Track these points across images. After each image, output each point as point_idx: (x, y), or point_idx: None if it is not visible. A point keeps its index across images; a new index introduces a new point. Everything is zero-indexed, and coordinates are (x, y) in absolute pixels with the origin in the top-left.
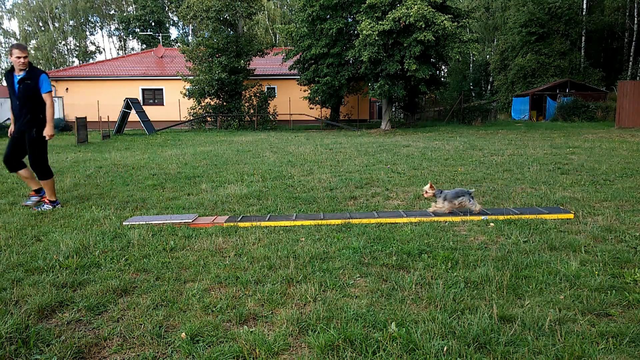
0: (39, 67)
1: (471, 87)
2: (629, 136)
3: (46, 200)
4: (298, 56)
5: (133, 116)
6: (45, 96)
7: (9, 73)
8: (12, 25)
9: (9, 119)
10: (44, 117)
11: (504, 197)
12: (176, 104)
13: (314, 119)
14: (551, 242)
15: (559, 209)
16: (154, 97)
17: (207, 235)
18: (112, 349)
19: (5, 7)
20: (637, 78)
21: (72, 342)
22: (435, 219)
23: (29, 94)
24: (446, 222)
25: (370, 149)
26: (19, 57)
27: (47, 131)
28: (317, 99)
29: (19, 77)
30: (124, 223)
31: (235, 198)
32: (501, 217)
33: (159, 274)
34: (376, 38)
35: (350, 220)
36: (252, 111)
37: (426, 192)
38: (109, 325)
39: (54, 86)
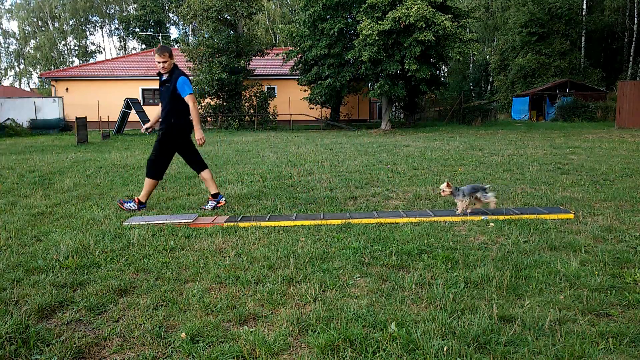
0: (38, 66)
1: (471, 87)
2: (629, 136)
3: (135, 199)
4: (299, 57)
5: (133, 116)
6: (186, 99)
7: (160, 74)
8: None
9: (9, 119)
10: (175, 122)
11: (504, 197)
12: None
13: (314, 119)
14: (551, 242)
15: (559, 209)
16: (154, 97)
17: (207, 235)
18: (112, 349)
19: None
20: (637, 78)
21: (72, 342)
22: (435, 218)
23: (168, 97)
24: (446, 222)
25: (370, 149)
26: (158, 62)
27: (197, 135)
28: (318, 100)
29: (162, 79)
30: (124, 223)
31: (235, 198)
32: (501, 217)
33: (159, 274)
34: (376, 38)
35: (350, 220)
36: (252, 111)
37: (443, 190)
38: (109, 325)
39: (53, 86)
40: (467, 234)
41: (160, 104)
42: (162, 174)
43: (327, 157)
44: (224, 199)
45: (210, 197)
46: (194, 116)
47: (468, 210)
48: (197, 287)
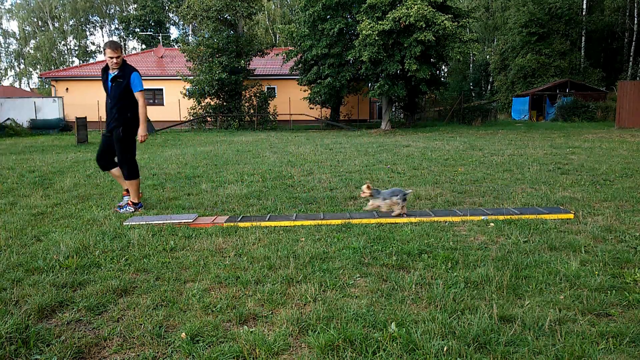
0: (38, 66)
1: (471, 87)
2: (629, 136)
3: (129, 203)
4: (298, 57)
5: None
6: (137, 95)
7: (105, 70)
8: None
9: (9, 119)
10: (132, 116)
11: (504, 197)
12: (176, 104)
13: (314, 119)
14: (551, 242)
15: (559, 209)
16: (154, 97)
17: (207, 235)
18: (112, 349)
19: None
20: (637, 78)
21: (72, 342)
22: (435, 218)
23: (120, 93)
24: (446, 222)
25: (370, 149)
26: (111, 58)
27: (140, 132)
28: (317, 99)
29: (112, 75)
30: (124, 223)
31: (235, 198)
32: (501, 217)
33: (159, 274)
34: (376, 38)
35: (350, 220)
36: (252, 111)
37: (363, 192)
38: (109, 325)
39: (53, 86)
40: (467, 234)
41: (106, 101)
42: (138, 168)
43: (327, 157)
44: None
45: (124, 192)
46: (142, 112)
47: (384, 210)
48: (197, 287)
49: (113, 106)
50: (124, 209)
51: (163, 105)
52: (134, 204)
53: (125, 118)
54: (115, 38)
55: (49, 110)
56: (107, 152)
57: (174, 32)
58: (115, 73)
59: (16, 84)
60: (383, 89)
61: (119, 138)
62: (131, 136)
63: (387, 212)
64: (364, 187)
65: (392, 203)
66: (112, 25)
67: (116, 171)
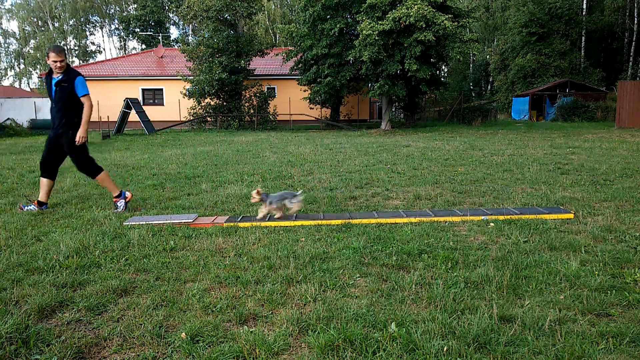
0: (38, 66)
1: (471, 87)
2: (629, 136)
3: (115, 199)
4: (298, 57)
5: (133, 116)
6: (82, 99)
7: (48, 75)
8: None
9: (9, 119)
10: (79, 121)
11: (504, 197)
12: (176, 104)
13: (314, 119)
14: (551, 242)
15: (559, 209)
16: (154, 97)
17: (207, 235)
18: (112, 349)
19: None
20: (637, 78)
21: (72, 342)
22: (435, 218)
23: (64, 97)
24: (446, 222)
25: (370, 149)
26: (55, 62)
27: (79, 133)
28: (317, 99)
29: (56, 80)
30: (124, 223)
31: (235, 198)
32: (501, 217)
33: (159, 274)
34: (376, 38)
35: (350, 220)
36: (252, 111)
37: (253, 197)
38: (109, 325)
39: None
40: (467, 234)
41: (50, 105)
42: (96, 164)
43: (327, 157)
44: (45, 207)
45: (35, 202)
46: (86, 114)
47: (277, 216)
48: (197, 287)
49: (58, 111)
50: (119, 209)
51: (163, 105)
52: (117, 196)
53: (73, 122)
54: (115, 38)
55: (49, 110)
56: (51, 159)
57: (174, 32)
58: (59, 77)
59: (16, 84)
60: (383, 89)
61: (69, 142)
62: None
63: (281, 216)
64: (254, 192)
65: (281, 206)
66: (112, 25)
67: (47, 183)
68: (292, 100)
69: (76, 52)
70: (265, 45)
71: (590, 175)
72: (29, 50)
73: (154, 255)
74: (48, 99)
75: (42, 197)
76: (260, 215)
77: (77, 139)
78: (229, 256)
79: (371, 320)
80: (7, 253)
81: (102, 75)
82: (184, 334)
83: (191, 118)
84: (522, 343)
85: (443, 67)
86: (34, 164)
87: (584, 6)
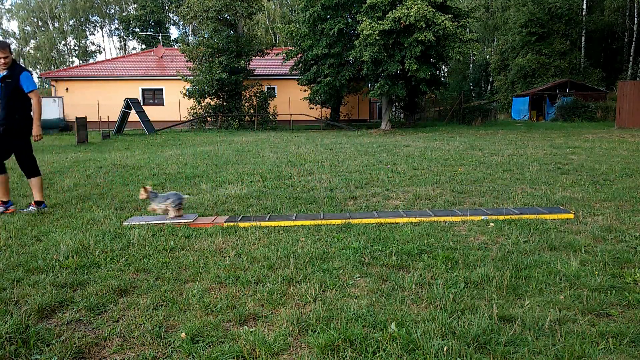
0: (38, 66)
1: (471, 87)
2: (629, 136)
3: (32, 203)
4: (298, 57)
5: (133, 116)
6: (30, 95)
7: None
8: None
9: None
10: (20, 118)
11: (504, 197)
12: (176, 104)
13: (314, 119)
14: (551, 242)
15: (559, 209)
16: (154, 97)
17: (207, 235)
18: (112, 349)
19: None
20: (637, 78)
21: (72, 342)
22: (435, 218)
23: (8, 93)
24: (446, 222)
25: (370, 149)
26: None
27: (34, 131)
28: (317, 99)
29: (0, 76)
30: (124, 223)
31: (235, 198)
32: (501, 217)
33: (159, 274)
34: (377, 38)
35: (350, 220)
36: (252, 111)
37: (141, 194)
38: (109, 325)
39: (53, 86)
40: (467, 234)
41: None
42: (37, 165)
43: (327, 157)
44: (44, 206)
45: (32, 203)
46: (36, 111)
47: (159, 214)
48: (197, 287)
49: (2, 108)
50: (27, 209)
51: (163, 105)
52: (36, 203)
53: (12, 120)
54: (115, 38)
55: (49, 110)
56: (21, 160)
57: (174, 32)
58: (4, 73)
59: None
60: (384, 89)
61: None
62: (22, 137)
63: (163, 214)
64: (142, 189)
65: (166, 207)
66: (112, 25)
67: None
68: (292, 100)
69: (76, 52)
70: (265, 45)
71: (590, 175)
72: (29, 50)
73: (154, 255)
74: (47, 98)
75: (1, 196)
76: (149, 208)
77: (33, 137)
78: (229, 256)
79: (371, 320)
80: (7, 253)
81: (102, 75)
82: (184, 334)
83: (191, 118)
84: (522, 343)
85: (443, 67)
86: None
87: (584, 6)
